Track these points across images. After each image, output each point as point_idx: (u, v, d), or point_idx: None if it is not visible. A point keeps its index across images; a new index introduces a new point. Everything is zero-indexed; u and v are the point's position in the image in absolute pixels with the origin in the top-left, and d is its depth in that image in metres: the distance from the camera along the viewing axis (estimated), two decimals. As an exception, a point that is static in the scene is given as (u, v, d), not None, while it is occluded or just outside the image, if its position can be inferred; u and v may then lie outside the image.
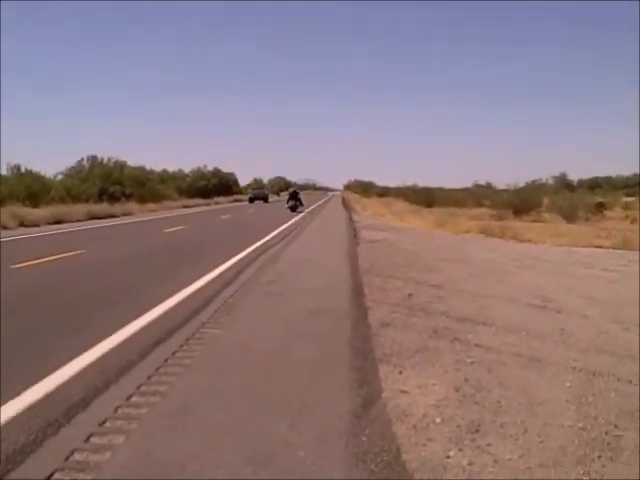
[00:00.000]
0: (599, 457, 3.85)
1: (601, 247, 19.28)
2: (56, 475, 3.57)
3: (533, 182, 63.73)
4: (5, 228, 24.96)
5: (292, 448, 3.91)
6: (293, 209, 44.73)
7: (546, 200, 50.44)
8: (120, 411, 4.55)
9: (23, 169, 46.98)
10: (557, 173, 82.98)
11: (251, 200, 73.87)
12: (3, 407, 4.54)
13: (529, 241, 21.65)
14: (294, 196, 46.88)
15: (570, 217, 38.80)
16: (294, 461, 3.75)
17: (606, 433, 4.21)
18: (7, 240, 20.01)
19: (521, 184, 56.87)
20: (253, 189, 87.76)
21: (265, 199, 76.66)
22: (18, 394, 4.82)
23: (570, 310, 8.56)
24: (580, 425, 4.34)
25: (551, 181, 78.40)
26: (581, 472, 3.66)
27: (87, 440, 4.03)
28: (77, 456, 3.80)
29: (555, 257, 16.28)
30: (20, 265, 12.71)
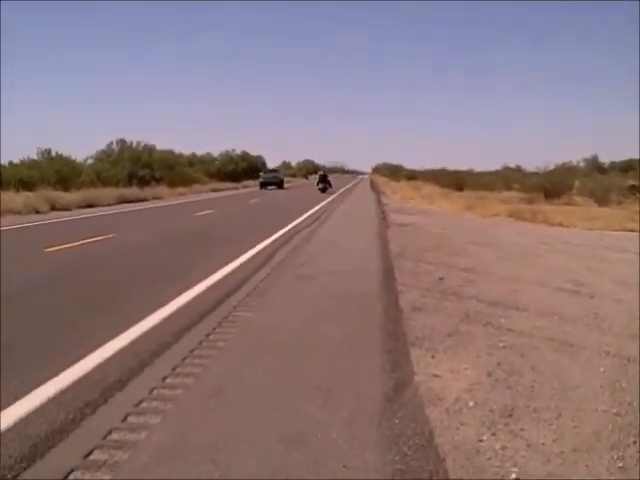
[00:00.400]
0: (634, 442, 3.83)
1: (634, 231, 19.01)
2: (95, 452, 3.64)
3: (563, 165, 63.07)
4: (37, 212, 25.28)
5: (324, 429, 3.94)
6: (323, 190, 47.96)
7: (577, 183, 49.78)
8: (156, 392, 4.62)
9: (54, 153, 47.45)
10: (588, 155, 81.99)
11: (262, 186, 61.83)
12: (43, 387, 4.65)
13: (560, 225, 21.44)
14: (324, 179, 50.70)
15: (602, 200, 38.24)
16: (326, 442, 3.78)
17: (641, 419, 4.19)
18: (40, 224, 20.29)
19: (551, 167, 56.34)
20: (265, 172, 70.53)
21: (279, 185, 63.43)
22: (57, 374, 4.93)
23: (603, 294, 8.48)
24: (614, 411, 4.32)
25: (582, 164, 77.46)
26: (615, 457, 3.64)
27: (124, 420, 4.10)
28: (114, 435, 3.87)
29: (587, 241, 16.13)
30: (52, 249, 12.86)
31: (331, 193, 46.93)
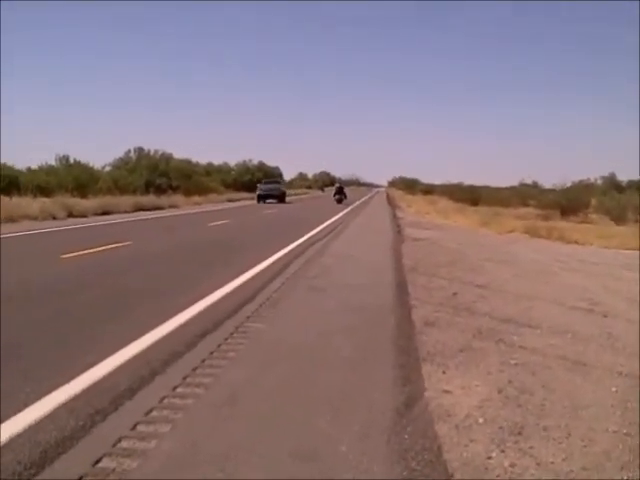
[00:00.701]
0: (645, 463, 3.81)
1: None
2: (104, 460, 3.66)
3: (580, 182, 62.86)
4: (54, 218, 25.47)
5: (334, 443, 3.94)
6: (339, 201, 52.10)
7: (594, 201, 49.55)
8: (166, 401, 4.63)
9: (72, 160, 47.85)
10: (606, 173, 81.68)
11: (260, 199, 52.46)
12: (54, 393, 4.68)
13: (575, 242, 21.35)
14: (340, 190, 55.24)
15: (619, 219, 38.06)
16: (336, 455, 3.77)
17: (652, 440, 4.16)
18: (56, 230, 20.45)
19: (568, 184, 56.10)
20: (264, 182, 58.58)
21: (280, 198, 54.04)
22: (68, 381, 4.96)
23: (617, 314, 8.44)
24: (625, 431, 4.29)
25: (599, 181, 77.14)
26: (625, 478, 3.62)
27: (133, 428, 4.12)
28: (124, 443, 3.89)
29: (602, 259, 16.04)
30: (69, 255, 12.95)
31: (347, 205, 47.60)
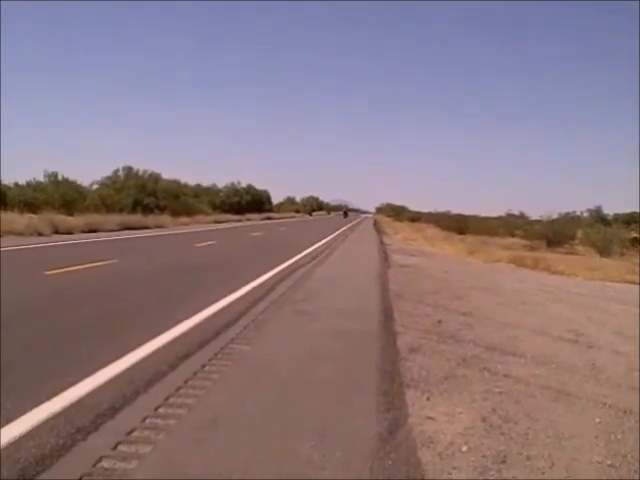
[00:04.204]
0: (627, 496, 3.80)
1: (635, 283, 19.03)
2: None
3: (567, 214, 63.31)
4: (40, 235, 25.33)
5: (317, 468, 3.90)
6: (344, 217, 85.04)
7: (580, 233, 49.95)
8: (148, 421, 4.58)
9: (60, 177, 47.70)
10: (592, 206, 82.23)
11: None
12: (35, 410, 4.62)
13: (561, 273, 21.47)
14: (345, 212, 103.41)
15: (604, 251, 38.36)
16: (318, 481, 3.74)
17: (635, 472, 4.15)
18: (42, 246, 20.34)
19: (555, 216, 56.59)
20: None
21: None
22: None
23: (602, 345, 8.46)
24: (609, 462, 4.28)
25: (585, 214, 77.77)
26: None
27: (114, 448, 4.06)
28: (105, 463, 3.83)
29: (587, 291, 16.11)
30: (52, 272, 12.87)
31: (336, 229, 47.89)
